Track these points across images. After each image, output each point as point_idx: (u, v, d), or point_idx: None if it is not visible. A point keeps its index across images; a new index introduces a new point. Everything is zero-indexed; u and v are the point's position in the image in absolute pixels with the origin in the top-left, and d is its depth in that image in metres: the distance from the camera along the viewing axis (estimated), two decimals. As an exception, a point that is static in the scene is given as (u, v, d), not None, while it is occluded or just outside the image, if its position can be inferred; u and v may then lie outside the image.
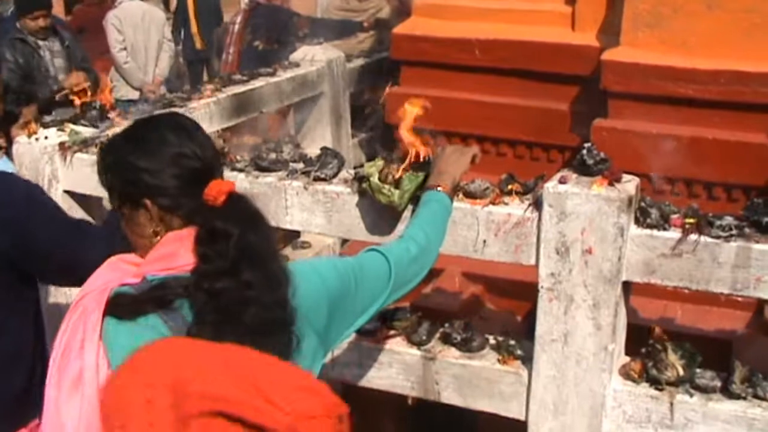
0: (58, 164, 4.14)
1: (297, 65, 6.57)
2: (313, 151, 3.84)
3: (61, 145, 4.15)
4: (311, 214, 3.60)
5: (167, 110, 4.58)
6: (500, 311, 5.02)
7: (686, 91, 4.78)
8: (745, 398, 3.27)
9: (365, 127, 7.49)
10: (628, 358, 3.44)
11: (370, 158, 3.41)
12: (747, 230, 3.13)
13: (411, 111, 3.34)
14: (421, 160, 3.26)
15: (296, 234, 5.83)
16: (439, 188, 3.04)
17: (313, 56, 6.68)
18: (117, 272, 2.32)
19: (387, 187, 3.28)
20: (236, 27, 8.87)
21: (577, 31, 5.49)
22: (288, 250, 5.85)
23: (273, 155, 3.75)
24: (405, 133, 3.32)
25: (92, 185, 4.05)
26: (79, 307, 2.32)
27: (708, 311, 4.67)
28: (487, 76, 5.63)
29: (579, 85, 5.37)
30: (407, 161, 3.29)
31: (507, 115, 5.50)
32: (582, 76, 5.30)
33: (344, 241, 5.61)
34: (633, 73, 4.88)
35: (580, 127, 5.15)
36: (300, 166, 3.68)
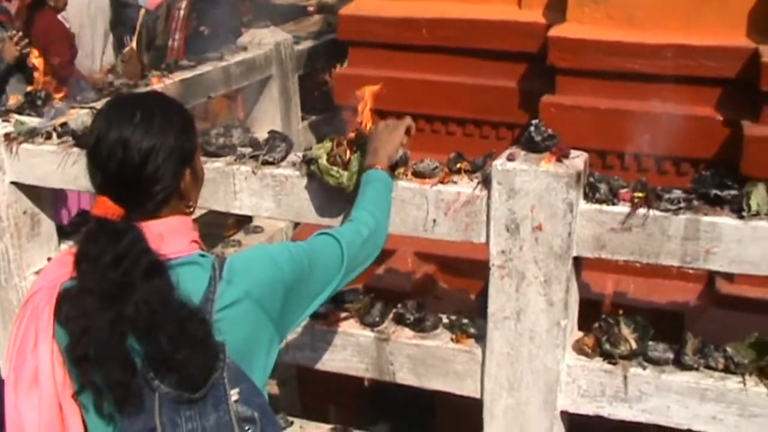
0: (4, 155, 4.08)
1: (244, 49, 6.53)
2: (263, 134, 3.81)
3: (6, 136, 4.08)
4: (260, 198, 3.57)
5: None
6: (454, 290, 5.02)
7: (633, 65, 4.80)
8: (697, 369, 3.29)
9: (315, 109, 7.47)
10: (581, 334, 3.45)
11: (321, 140, 3.39)
12: (696, 203, 3.14)
13: (369, 92, 3.36)
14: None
15: (248, 219, 5.82)
16: (376, 166, 3.04)
17: (260, 39, 6.65)
18: (66, 267, 2.30)
19: (335, 168, 3.27)
20: (182, 12, 8.79)
21: (523, 8, 5.49)
22: (240, 235, 5.84)
23: (222, 140, 3.71)
24: (365, 115, 3.34)
25: (40, 175, 4.02)
26: (30, 305, 2.30)
27: (660, 284, 4.70)
28: (435, 55, 5.61)
29: (527, 62, 5.36)
30: (355, 142, 3.29)
31: (455, 94, 5.49)
32: (529, 53, 5.29)
33: (296, 225, 5.59)
34: (579, 49, 4.88)
35: (529, 104, 5.16)
36: (248, 150, 3.65)
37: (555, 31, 5.00)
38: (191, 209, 2.46)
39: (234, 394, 2.22)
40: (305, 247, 2.58)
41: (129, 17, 9.53)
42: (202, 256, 2.36)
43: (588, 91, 4.90)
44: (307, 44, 7.31)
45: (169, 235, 2.30)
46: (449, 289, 5.07)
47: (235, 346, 2.25)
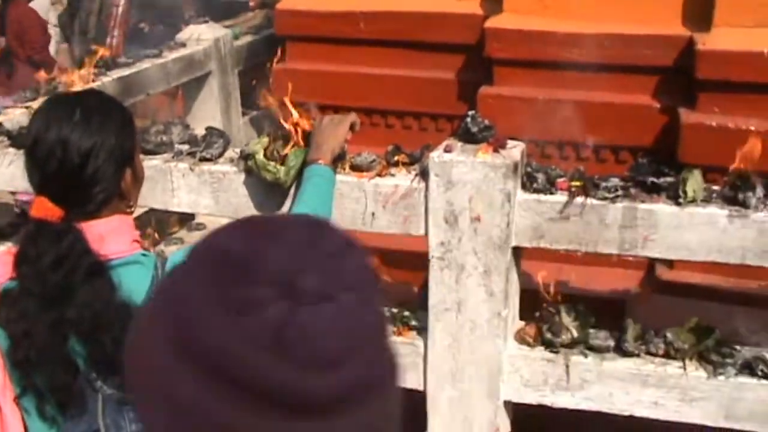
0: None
1: (183, 45, 6.48)
2: (203, 131, 3.79)
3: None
4: (198, 195, 3.55)
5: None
6: (397, 283, 5.00)
7: (570, 55, 4.81)
8: (638, 355, 3.33)
9: (256, 104, 7.43)
10: (522, 323, 3.47)
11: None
12: (633, 190, 3.17)
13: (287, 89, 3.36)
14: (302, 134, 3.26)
15: (191, 216, 5.78)
16: (319, 161, 3.03)
17: (199, 35, 6.61)
18: (5, 267, 2.27)
19: (272, 164, 3.25)
20: (120, 9, 8.73)
21: (461, 0, 5.49)
22: (183, 233, 5.79)
23: (159, 138, 3.68)
24: (288, 109, 3.31)
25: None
26: None
27: (601, 272, 4.72)
28: (373, 48, 5.60)
29: (465, 53, 5.37)
30: (291, 137, 3.28)
31: (394, 87, 5.49)
32: (467, 44, 5.29)
33: (239, 220, 5.55)
34: (516, 40, 4.90)
35: (467, 96, 5.16)
36: (186, 147, 3.62)
37: (492, 22, 5.01)
38: (132, 209, 2.43)
39: (177, 395, 2.20)
40: None
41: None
42: (144, 255, 2.34)
43: (526, 82, 4.92)
44: (246, 39, 7.27)
45: (110, 236, 2.28)
46: (392, 282, 5.06)
47: (180, 344, 2.23)
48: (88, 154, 2.22)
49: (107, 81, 5.47)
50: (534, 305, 3.49)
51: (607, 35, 4.78)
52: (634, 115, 4.75)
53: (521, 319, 3.52)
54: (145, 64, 5.96)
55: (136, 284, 2.21)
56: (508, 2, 5.06)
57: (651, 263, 4.70)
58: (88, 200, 2.26)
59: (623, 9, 4.88)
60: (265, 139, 3.36)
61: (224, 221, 3.75)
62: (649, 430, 3.45)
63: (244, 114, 7.15)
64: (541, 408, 3.42)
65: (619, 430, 3.51)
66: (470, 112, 3.32)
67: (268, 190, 3.39)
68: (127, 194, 2.36)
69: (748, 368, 3.26)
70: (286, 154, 3.26)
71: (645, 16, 4.85)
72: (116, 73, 5.65)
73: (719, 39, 4.53)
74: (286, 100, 3.35)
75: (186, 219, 5.90)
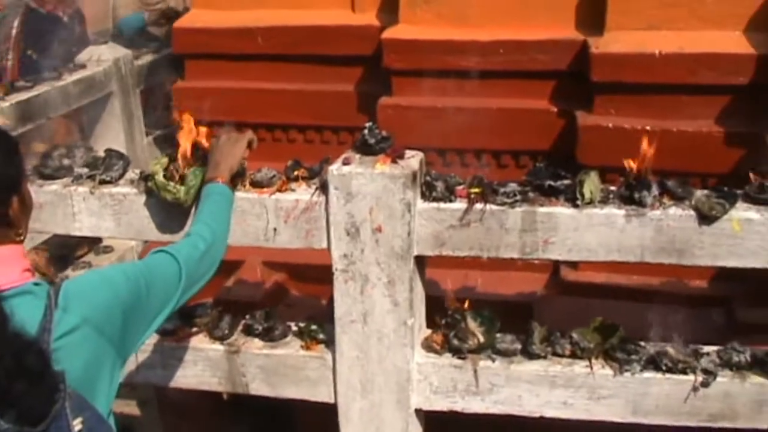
0: None
1: (83, 66, 6.42)
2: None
3: None
4: (100, 218, 3.51)
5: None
6: (305, 297, 5.02)
7: (467, 63, 4.85)
8: (545, 357, 3.38)
9: (159, 123, 7.38)
10: (429, 331, 3.49)
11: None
12: (531, 194, 3.22)
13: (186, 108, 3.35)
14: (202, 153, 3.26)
15: (98, 239, 5.71)
16: (218, 180, 3.03)
17: (99, 56, 6.55)
18: None
19: (172, 184, 3.25)
20: (14, 31, 8.58)
21: (357, 12, 5.49)
22: (91, 256, 5.72)
23: (60, 161, 3.64)
24: (185, 128, 3.31)
25: None
26: None
27: (508, 276, 4.76)
28: (272, 63, 5.59)
29: (363, 65, 5.37)
30: (189, 156, 3.29)
31: (294, 101, 5.48)
32: (365, 56, 5.30)
33: (146, 241, 5.52)
34: (413, 50, 4.92)
35: (368, 107, 5.17)
36: (85, 170, 3.58)
37: (388, 33, 5.03)
38: (22, 237, 2.40)
39: (77, 424, 2.17)
40: (142, 266, 2.55)
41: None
42: (36, 284, 2.30)
43: (424, 91, 4.94)
44: (147, 58, 7.23)
45: (0, 266, 2.25)
46: (301, 296, 5.07)
47: (76, 374, 2.20)
48: None
49: (5, 106, 5.40)
50: (442, 312, 3.51)
51: (503, 42, 4.82)
52: (532, 119, 4.80)
53: (429, 326, 3.53)
54: (45, 87, 5.88)
55: (28, 314, 2.17)
56: (403, 13, 5.08)
57: (556, 265, 4.76)
58: None
59: (518, 15, 4.92)
60: (164, 159, 3.36)
61: (133, 243, 3.74)
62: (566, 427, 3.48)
63: (147, 134, 7.10)
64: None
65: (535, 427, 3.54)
66: (367, 124, 3.34)
67: (169, 210, 3.37)
68: (15, 222, 2.32)
69: (653, 363, 3.32)
70: (186, 174, 3.26)
71: (539, 22, 4.90)
72: (14, 98, 5.58)
73: (612, 42, 4.60)
74: (185, 119, 3.35)
75: (94, 242, 5.84)
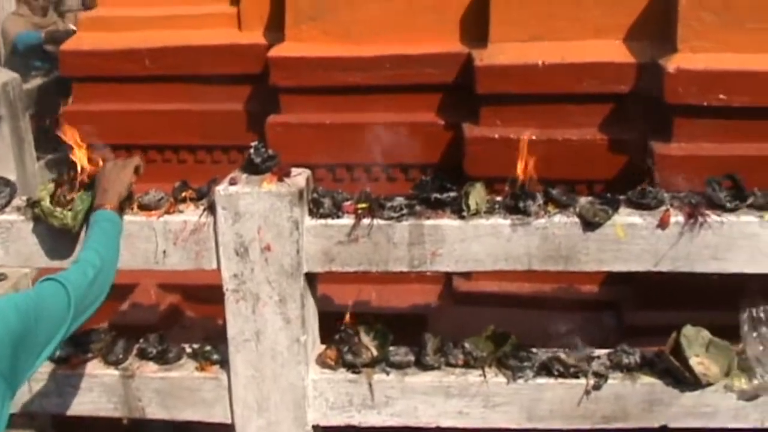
0: None
1: (-30, 93, 6.33)
2: (-2, 178, 3.71)
3: None
4: (-13, 247, 3.47)
5: None
6: (201, 318, 5.00)
7: (354, 79, 4.88)
8: (438, 368, 3.41)
9: (51, 147, 7.29)
10: (324, 347, 3.50)
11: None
12: (418, 208, 3.25)
13: (73, 131, 3.32)
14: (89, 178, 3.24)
15: (-9, 266, 5.62)
16: (105, 206, 3.02)
17: (-14, 81, 6.47)
18: None
19: (59, 210, 3.22)
20: None
21: (243, 31, 5.50)
22: (-18, 284, 5.63)
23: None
24: (75, 152, 3.29)
25: None
26: None
27: (401, 289, 4.80)
28: (160, 84, 5.56)
29: (251, 84, 5.37)
30: (78, 182, 3.26)
31: (183, 122, 5.45)
32: (253, 74, 5.30)
33: (39, 268, 5.44)
34: (300, 67, 4.93)
35: (257, 126, 5.16)
36: (-32, 202, 3.53)
37: (275, 51, 5.04)
38: None
39: (-32, 456, 2.16)
40: (31, 296, 2.52)
41: None
42: None
43: (312, 108, 4.95)
44: (37, 82, 7.15)
45: None
46: (196, 317, 5.05)
47: (-35, 407, 2.19)
48: None
49: None
50: (337, 328, 3.52)
51: (388, 57, 4.86)
52: (420, 133, 4.84)
53: (324, 342, 3.55)
54: (-68, 114, 5.80)
55: None
56: (290, 31, 5.09)
57: (449, 276, 4.80)
58: None
59: (403, 30, 4.96)
60: (51, 185, 3.33)
61: (25, 270, 3.68)
62: None
63: (39, 158, 7.00)
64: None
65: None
66: (253, 144, 3.35)
67: (57, 237, 3.34)
68: None
69: (546, 369, 3.38)
70: (73, 199, 3.23)
71: (424, 36, 4.95)
72: None
73: (496, 54, 4.67)
74: (73, 144, 3.32)
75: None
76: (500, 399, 3.36)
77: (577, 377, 3.35)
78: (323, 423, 3.48)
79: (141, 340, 3.67)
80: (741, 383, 3.31)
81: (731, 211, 3.19)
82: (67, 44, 5.94)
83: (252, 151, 3.31)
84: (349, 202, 3.27)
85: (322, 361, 3.44)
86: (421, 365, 3.42)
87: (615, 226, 3.18)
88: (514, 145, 3.40)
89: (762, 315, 3.35)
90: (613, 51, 4.64)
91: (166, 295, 5.09)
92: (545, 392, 3.35)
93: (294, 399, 3.39)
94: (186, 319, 5.08)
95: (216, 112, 5.42)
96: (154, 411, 3.59)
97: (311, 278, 3.35)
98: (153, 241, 3.31)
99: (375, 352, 3.42)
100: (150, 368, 3.57)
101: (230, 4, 5.69)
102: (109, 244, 2.95)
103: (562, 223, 3.18)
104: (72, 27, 8.31)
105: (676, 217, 3.17)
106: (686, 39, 4.34)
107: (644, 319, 4.36)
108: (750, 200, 3.22)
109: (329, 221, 3.21)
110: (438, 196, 3.24)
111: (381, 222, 3.19)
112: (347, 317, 3.53)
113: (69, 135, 3.40)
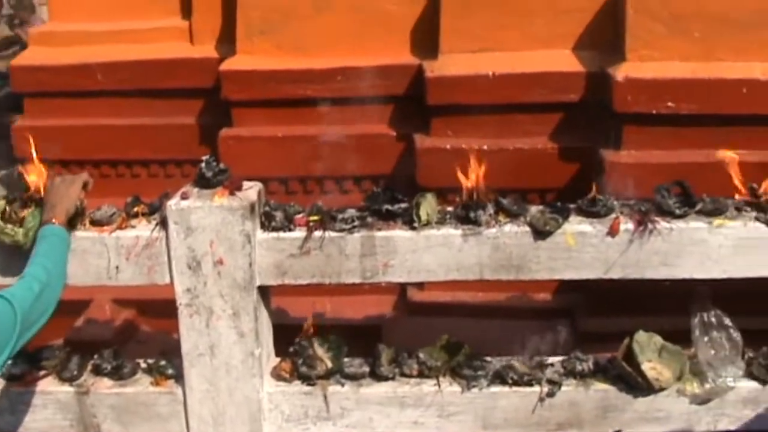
0: None
1: None
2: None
3: None
4: (-62, 265, 3.45)
5: None
6: (156, 332, 4.97)
7: (305, 91, 4.88)
8: (393, 378, 3.43)
9: (2, 164, 7.23)
10: (278, 360, 3.51)
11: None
12: (370, 219, 3.27)
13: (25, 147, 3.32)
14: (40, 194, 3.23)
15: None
16: (53, 222, 3.02)
17: (-65, 98, 6.42)
18: None
19: (10, 226, 3.22)
20: None
21: (195, 45, 5.47)
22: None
23: None
24: (27, 170, 3.30)
25: None
26: None
27: (356, 300, 4.79)
28: (113, 99, 5.51)
29: (203, 97, 5.35)
30: (29, 198, 3.26)
31: (136, 136, 5.42)
32: (205, 88, 5.28)
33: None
34: (251, 80, 4.92)
35: (210, 139, 5.15)
36: None
37: (226, 65, 5.03)
38: None
39: None
40: None
41: None
42: None
43: (264, 121, 4.95)
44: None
45: None
46: (152, 332, 5.03)
47: None
48: None
49: None
50: (292, 341, 3.53)
51: (340, 69, 4.87)
52: (372, 144, 4.85)
53: (279, 355, 3.55)
54: None
55: None
56: (241, 44, 5.08)
57: (403, 287, 4.80)
58: None
59: (353, 43, 4.96)
60: (2, 202, 3.32)
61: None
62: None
63: (-8, 174, 6.96)
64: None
65: None
66: (204, 158, 3.36)
67: (8, 253, 3.32)
68: None
69: (500, 377, 3.42)
70: (24, 216, 3.23)
71: (375, 48, 4.95)
72: None
73: (446, 65, 4.68)
74: (25, 160, 3.33)
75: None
76: (455, 408, 3.39)
77: (531, 385, 3.38)
78: (279, 436, 3.49)
79: (96, 356, 3.66)
80: (693, 387, 3.36)
81: (680, 217, 3.24)
82: (18, 59, 5.89)
83: (203, 165, 3.32)
84: (300, 215, 3.29)
85: (277, 374, 3.45)
86: (376, 376, 3.44)
87: (565, 235, 3.22)
88: (465, 155, 3.42)
89: (713, 319, 3.39)
90: (563, 61, 4.67)
91: (121, 310, 5.06)
92: (500, 400, 3.38)
93: (249, 412, 3.40)
94: (141, 334, 5.05)
95: (169, 126, 5.39)
96: (110, 427, 3.57)
97: (264, 291, 3.36)
98: (105, 256, 3.31)
99: (330, 364, 3.43)
100: (105, 384, 3.56)
101: (182, 18, 5.67)
102: (56, 259, 2.95)
103: (513, 232, 3.22)
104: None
105: (626, 225, 3.22)
106: (634, 48, 4.38)
107: (597, 325, 4.38)
108: (699, 206, 3.28)
109: (281, 234, 3.23)
110: (389, 207, 3.27)
111: (333, 234, 3.22)
112: (304, 329, 3.54)
113: (20, 151, 3.41)
